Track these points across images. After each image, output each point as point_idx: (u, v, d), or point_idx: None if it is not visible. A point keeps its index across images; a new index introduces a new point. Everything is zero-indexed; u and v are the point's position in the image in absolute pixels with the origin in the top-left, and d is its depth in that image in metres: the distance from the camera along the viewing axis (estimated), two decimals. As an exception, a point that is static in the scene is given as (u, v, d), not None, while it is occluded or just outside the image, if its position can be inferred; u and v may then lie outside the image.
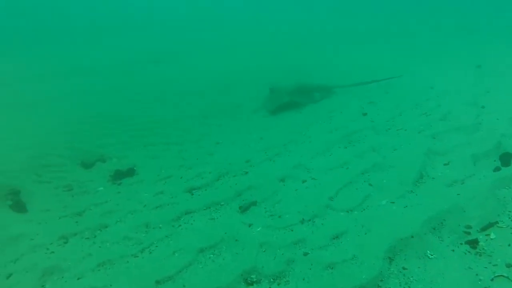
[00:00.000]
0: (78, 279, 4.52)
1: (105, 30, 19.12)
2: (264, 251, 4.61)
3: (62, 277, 4.58)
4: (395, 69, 11.83)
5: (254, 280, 4.20)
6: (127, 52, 16.20)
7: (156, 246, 4.99)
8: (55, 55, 14.87)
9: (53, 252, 5.13)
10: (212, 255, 4.69)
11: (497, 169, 5.46)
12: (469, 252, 4.13)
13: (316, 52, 16.86)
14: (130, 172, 7.02)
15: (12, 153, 7.90)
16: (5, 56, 16.30)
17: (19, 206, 6.25)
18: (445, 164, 5.80)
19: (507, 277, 3.77)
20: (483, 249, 4.15)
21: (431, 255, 4.21)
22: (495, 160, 5.67)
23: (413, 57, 13.88)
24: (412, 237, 4.38)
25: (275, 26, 26.09)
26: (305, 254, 4.49)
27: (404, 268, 4.05)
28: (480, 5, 28.77)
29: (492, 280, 3.76)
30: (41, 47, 16.21)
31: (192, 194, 6.10)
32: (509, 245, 4.12)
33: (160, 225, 5.43)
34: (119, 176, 6.95)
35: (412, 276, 3.93)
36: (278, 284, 4.11)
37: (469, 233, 4.45)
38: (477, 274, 3.82)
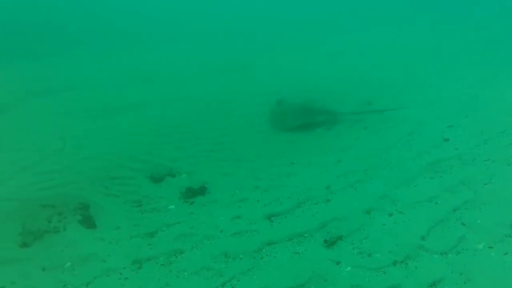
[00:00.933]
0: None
1: (168, 35, 18.85)
2: (358, 296, 4.39)
3: (138, 309, 4.46)
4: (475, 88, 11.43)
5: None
6: (193, 59, 15.99)
7: (238, 281, 4.97)
8: (120, 60, 14.74)
9: (127, 278, 5.18)
10: (301, 297, 4.48)
11: None
12: None
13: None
14: (202, 191, 7.00)
15: (81, 163, 7.99)
16: (73, 58, 16.40)
17: (88, 222, 6.35)
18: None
19: None
20: None
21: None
22: None
23: (494, 75, 13.24)
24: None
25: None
26: (404, 304, 4.34)
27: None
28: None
29: None
30: (106, 51, 16.17)
31: (272, 222, 6.02)
32: None
33: (241, 256, 5.39)
34: (190, 194, 6.95)
35: None
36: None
37: None
38: None
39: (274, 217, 6.15)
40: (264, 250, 5.49)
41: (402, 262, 4.98)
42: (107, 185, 7.35)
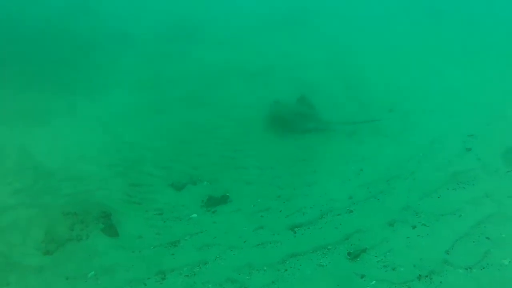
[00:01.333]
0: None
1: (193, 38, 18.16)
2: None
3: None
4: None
5: None
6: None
7: (263, 293, 4.99)
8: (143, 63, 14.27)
9: (151, 290, 5.12)
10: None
11: None
12: None
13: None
14: (224, 199, 7.09)
15: (102, 170, 8.05)
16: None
17: (111, 230, 6.46)
18: None
19: None
20: None
21: None
22: None
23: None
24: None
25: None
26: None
27: None
28: None
29: None
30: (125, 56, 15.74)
31: (295, 233, 6.11)
32: None
33: (265, 268, 5.45)
34: (212, 202, 7.04)
35: None
36: None
37: None
38: None
39: (297, 228, 6.24)
40: (288, 262, 5.58)
41: (426, 276, 5.05)
42: (129, 192, 7.41)
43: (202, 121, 10.01)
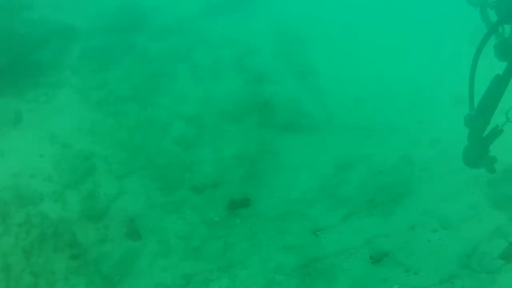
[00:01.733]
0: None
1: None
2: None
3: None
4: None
5: None
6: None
7: (286, 298, 5.13)
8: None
9: (178, 294, 5.27)
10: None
11: None
12: None
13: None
14: (245, 202, 7.20)
15: (128, 174, 8.04)
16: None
17: (134, 235, 6.60)
18: None
19: None
20: None
21: None
22: None
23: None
24: None
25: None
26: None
27: None
28: None
29: None
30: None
31: (317, 236, 6.21)
32: None
33: (288, 272, 5.58)
34: (234, 206, 7.16)
35: None
36: None
37: None
38: None
39: (319, 231, 6.36)
40: (311, 266, 5.70)
41: (448, 281, 5.15)
42: (152, 195, 7.52)
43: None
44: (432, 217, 6.36)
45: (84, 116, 8.99)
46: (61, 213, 6.68)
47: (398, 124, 9.36)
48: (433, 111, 9.72)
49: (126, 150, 8.09)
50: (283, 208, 7.08)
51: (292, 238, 6.30)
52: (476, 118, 3.36)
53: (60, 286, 5.72)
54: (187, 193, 7.58)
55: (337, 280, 5.39)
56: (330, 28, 12.61)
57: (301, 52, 11.87)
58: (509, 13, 2.92)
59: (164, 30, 11.91)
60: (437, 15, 11.47)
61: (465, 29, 11.44)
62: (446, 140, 8.50)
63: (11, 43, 10.86)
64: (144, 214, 7.06)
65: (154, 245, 6.45)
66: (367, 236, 6.11)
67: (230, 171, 8.01)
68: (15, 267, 5.79)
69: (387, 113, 9.80)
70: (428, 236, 5.96)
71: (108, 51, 11.11)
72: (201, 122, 9.16)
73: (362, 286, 5.26)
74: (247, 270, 5.75)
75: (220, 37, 12.19)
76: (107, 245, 6.41)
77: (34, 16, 11.51)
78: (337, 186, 7.63)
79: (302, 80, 10.79)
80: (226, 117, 9.25)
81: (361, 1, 13.85)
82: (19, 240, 6.13)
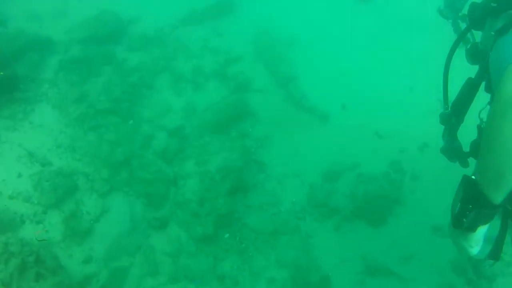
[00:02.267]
0: None
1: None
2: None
3: None
4: None
5: None
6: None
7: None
8: None
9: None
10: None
11: None
12: None
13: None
14: (233, 216, 7.21)
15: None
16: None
17: (120, 254, 6.67)
18: None
19: None
20: None
21: None
22: None
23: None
24: None
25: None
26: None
27: None
28: None
29: None
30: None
31: (308, 249, 6.26)
32: None
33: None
34: (222, 219, 7.14)
35: None
36: None
37: None
38: None
39: (310, 243, 6.38)
40: (304, 279, 5.68)
41: None
42: (137, 213, 7.42)
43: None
44: (425, 224, 6.31)
45: (63, 132, 8.74)
46: (42, 236, 6.39)
47: (385, 131, 9.09)
48: (419, 116, 9.67)
49: (108, 166, 7.76)
50: (273, 221, 6.94)
51: (283, 251, 6.24)
52: (450, 116, 3.53)
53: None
54: (173, 208, 7.45)
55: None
56: (312, 35, 12.46)
57: (284, 59, 11.81)
58: (477, 20, 3.09)
59: (143, 40, 11.74)
60: (423, 18, 11.47)
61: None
62: (435, 145, 8.47)
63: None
64: (130, 232, 6.90)
65: (141, 264, 6.35)
66: (360, 246, 6.09)
67: (216, 184, 7.76)
68: (-6, 303, 5.50)
69: (372, 119, 9.77)
70: (422, 244, 5.92)
71: (86, 63, 10.89)
72: (184, 133, 8.99)
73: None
74: (239, 286, 5.64)
75: (200, 46, 12.10)
76: (92, 266, 6.21)
77: (8, 28, 11.19)
78: (326, 196, 7.47)
79: (285, 88, 10.68)
80: (209, 128, 9.05)
81: (343, 7, 13.72)
82: (-3, 272, 5.79)
